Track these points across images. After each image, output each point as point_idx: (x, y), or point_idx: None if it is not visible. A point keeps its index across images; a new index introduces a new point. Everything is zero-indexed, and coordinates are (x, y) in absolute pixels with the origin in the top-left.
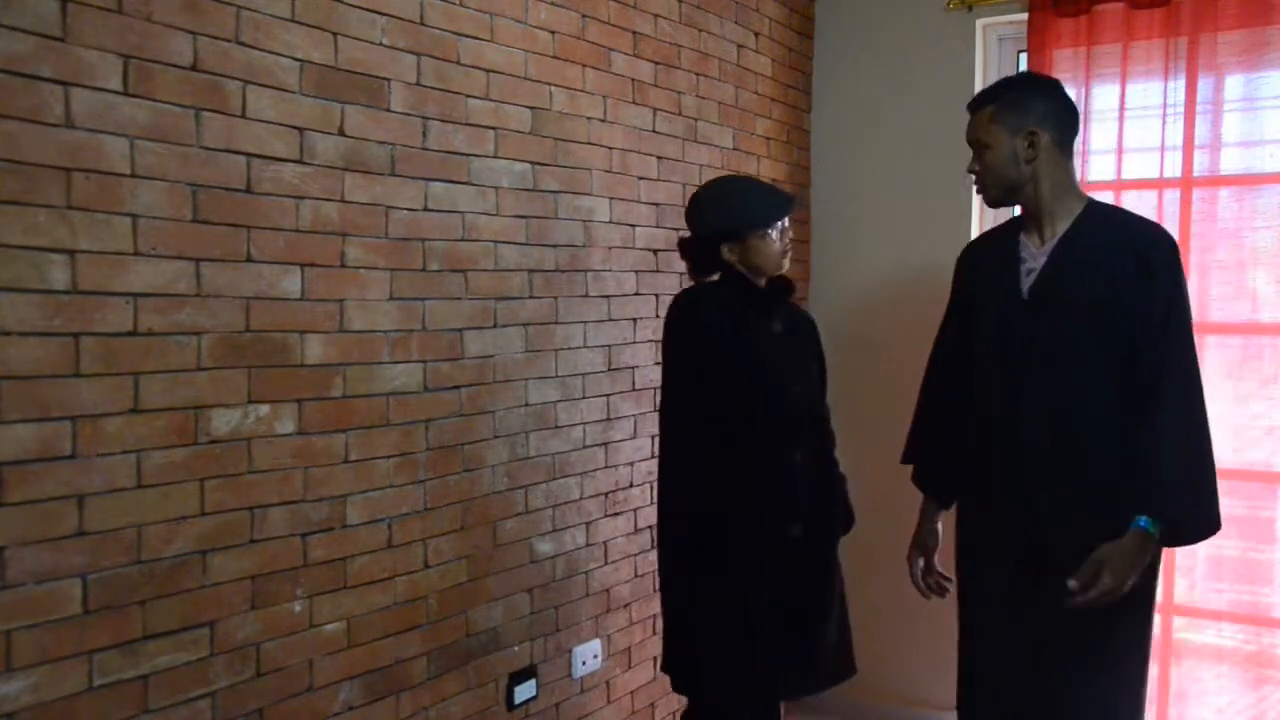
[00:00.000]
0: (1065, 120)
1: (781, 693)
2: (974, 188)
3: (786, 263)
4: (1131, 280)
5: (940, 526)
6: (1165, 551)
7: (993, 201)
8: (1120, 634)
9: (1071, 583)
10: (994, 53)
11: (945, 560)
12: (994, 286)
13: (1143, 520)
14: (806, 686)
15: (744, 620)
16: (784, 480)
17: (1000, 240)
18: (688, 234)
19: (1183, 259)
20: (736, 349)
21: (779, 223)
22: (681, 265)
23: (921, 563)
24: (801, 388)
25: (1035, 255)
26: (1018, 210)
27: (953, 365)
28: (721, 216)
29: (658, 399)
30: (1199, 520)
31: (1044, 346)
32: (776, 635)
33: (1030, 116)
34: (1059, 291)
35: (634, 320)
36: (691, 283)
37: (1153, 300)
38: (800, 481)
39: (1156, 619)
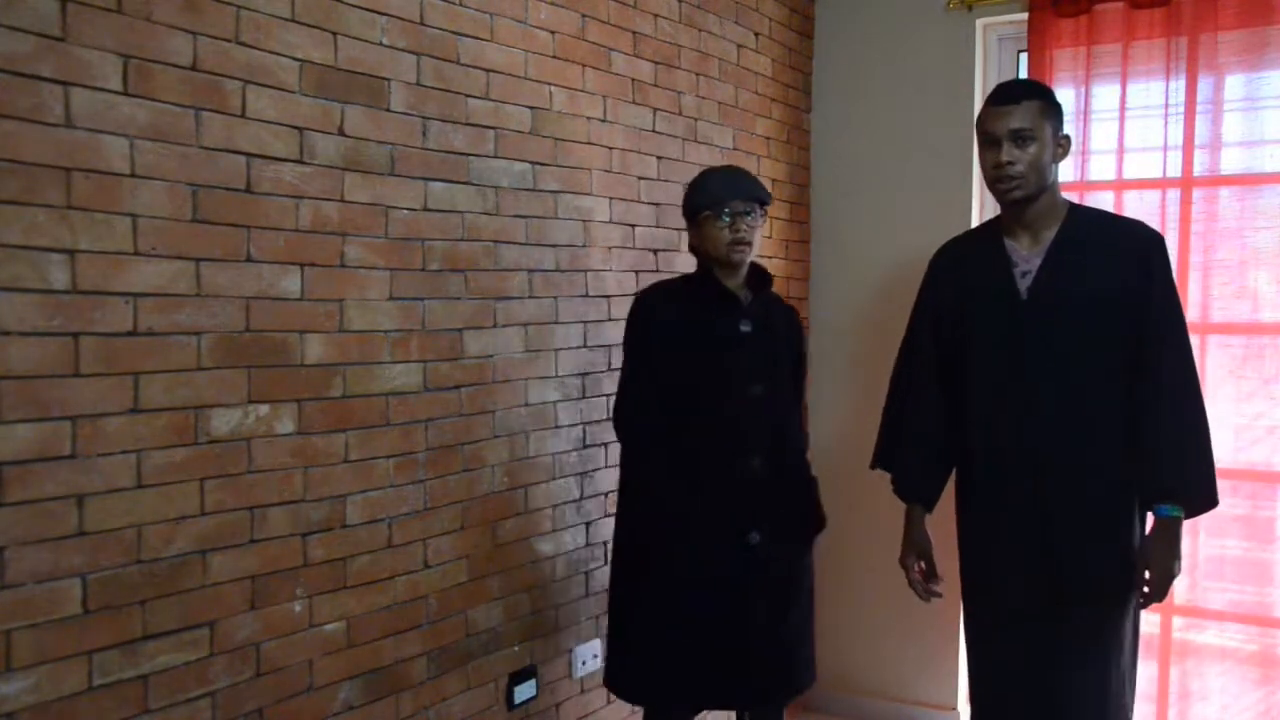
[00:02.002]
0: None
1: (735, 704)
2: (1006, 184)
3: (733, 254)
4: (1128, 275)
5: (930, 532)
6: None
7: (1024, 197)
8: (1130, 623)
9: (1140, 599)
10: (994, 53)
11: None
12: (986, 290)
13: (1167, 509)
14: (745, 696)
15: (693, 628)
16: (743, 485)
17: (979, 245)
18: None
19: (1183, 259)
20: (691, 348)
21: (726, 209)
22: (681, 265)
23: (921, 566)
24: (764, 389)
25: (1027, 258)
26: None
27: (929, 370)
28: (686, 198)
29: None
30: (1205, 500)
31: (1048, 344)
32: (719, 641)
33: (1063, 122)
34: (1059, 289)
35: None
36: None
37: (1150, 293)
38: (762, 486)
39: (1156, 618)
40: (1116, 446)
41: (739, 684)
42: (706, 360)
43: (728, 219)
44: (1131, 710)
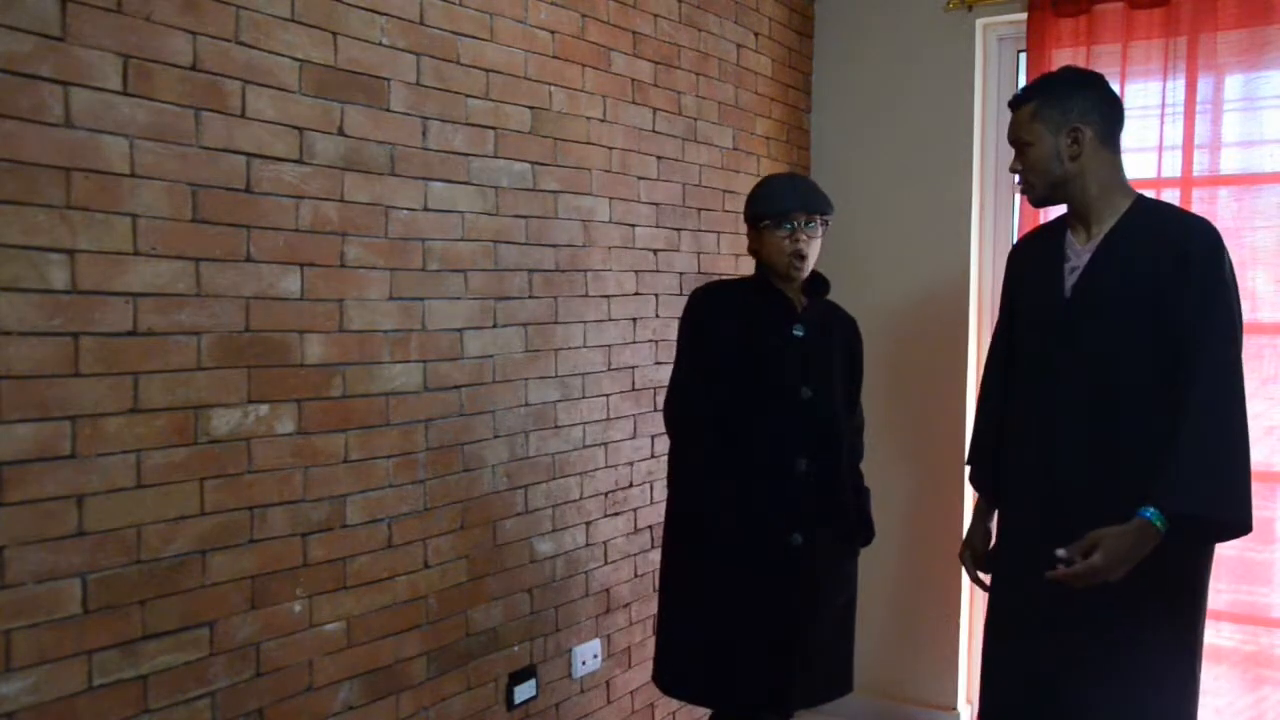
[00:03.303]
0: (1109, 115)
1: (758, 702)
2: (1020, 188)
3: (792, 267)
4: (1171, 274)
5: (992, 526)
6: None
7: (1038, 200)
8: (1158, 642)
9: (1060, 551)
10: (994, 53)
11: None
12: (1038, 285)
13: (1148, 511)
14: (788, 699)
15: (725, 624)
16: (787, 487)
17: (1047, 238)
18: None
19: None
20: (742, 348)
21: (789, 221)
22: (681, 265)
23: (970, 560)
24: (815, 392)
25: (1079, 253)
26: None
27: (1001, 367)
28: (750, 203)
29: (658, 398)
30: (1222, 519)
31: (1085, 346)
32: (759, 642)
33: (1073, 113)
34: (1100, 290)
35: (634, 320)
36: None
37: (1189, 292)
38: (807, 489)
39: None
40: (1144, 451)
41: (767, 686)
42: (757, 362)
43: (789, 229)
44: None
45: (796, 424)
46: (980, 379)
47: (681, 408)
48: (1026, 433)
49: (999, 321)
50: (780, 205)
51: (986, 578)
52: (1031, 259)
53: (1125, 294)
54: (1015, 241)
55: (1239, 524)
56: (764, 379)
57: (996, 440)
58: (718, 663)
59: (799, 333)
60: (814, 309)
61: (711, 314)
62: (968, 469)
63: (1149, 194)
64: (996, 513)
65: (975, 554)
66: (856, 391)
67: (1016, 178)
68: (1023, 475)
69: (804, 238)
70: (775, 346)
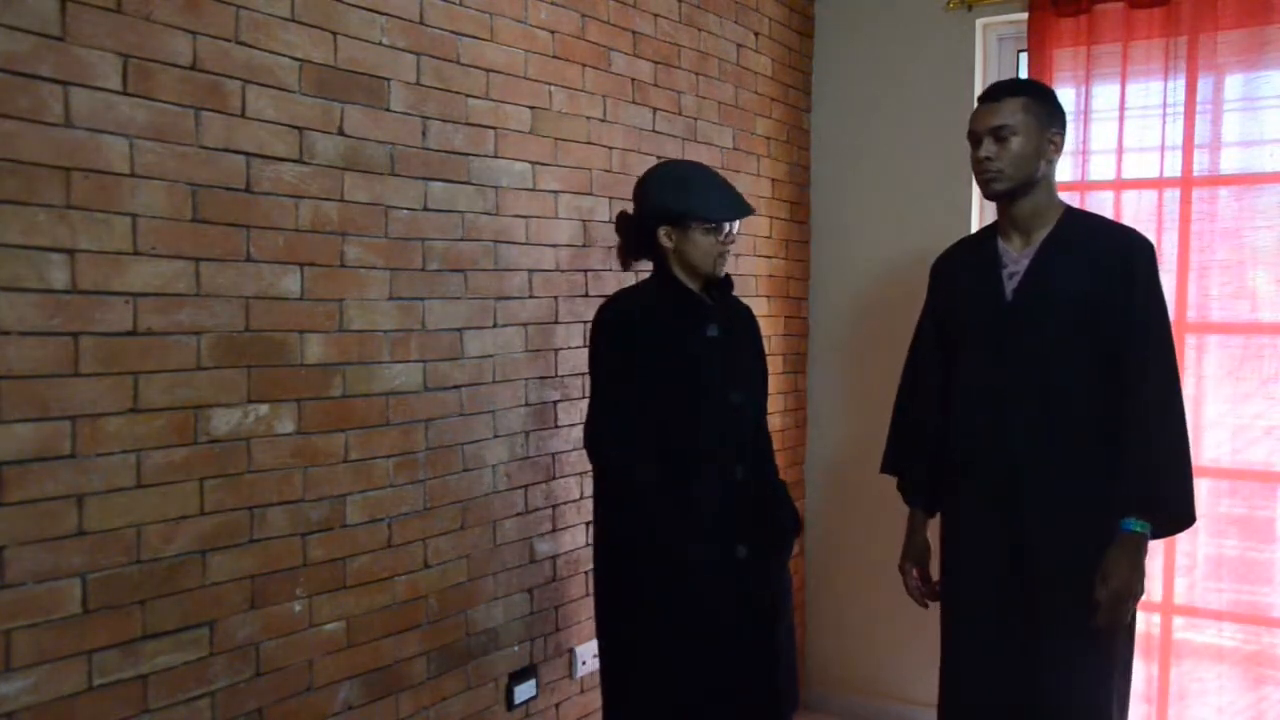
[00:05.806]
0: (1065, 135)
1: None
2: (985, 176)
3: (719, 269)
4: (1113, 282)
5: (929, 534)
6: (1165, 551)
7: (997, 193)
8: (1122, 635)
9: (1095, 618)
10: (994, 53)
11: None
12: (975, 291)
13: (1131, 524)
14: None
15: (694, 657)
16: (728, 498)
17: (976, 247)
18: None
19: (1183, 259)
20: (670, 359)
21: (727, 225)
22: None
23: (916, 573)
24: (742, 396)
25: (1016, 259)
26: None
27: (932, 373)
28: (672, 197)
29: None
30: (1179, 516)
31: (1029, 347)
32: (727, 671)
33: (1056, 120)
34: (1043, 292)
35: None
36: (620, 264)
37: (1135, 303)
38: (744, 498)
39: (1156, 618)
40: (1093, 450)
41: (737, 713)
42: (686, 370)
43: (726, 232)
44: None
45: (731, 431)
46: (901, 388)
47: (621, 434)
48: (975, 435)
49: (920, 333)
50: (721, 209)
51: (932, 587)
52: (961, 269)
53: (1068, 295)
54: (938, 256)
55: (1192, 518)
56: (695, 388)
57: (931, 448)
58: (695, 702)
59: (714, 333)
60: (721, 307)
61: (639, 327)
62: (896, 480)
63: (1152, 194)
64: (929, 519)
65: (924, 566)
66: (766, 383)
67: (987, 164)
68: (974, 476)
69: (732, 240)
70: (697, 352)
